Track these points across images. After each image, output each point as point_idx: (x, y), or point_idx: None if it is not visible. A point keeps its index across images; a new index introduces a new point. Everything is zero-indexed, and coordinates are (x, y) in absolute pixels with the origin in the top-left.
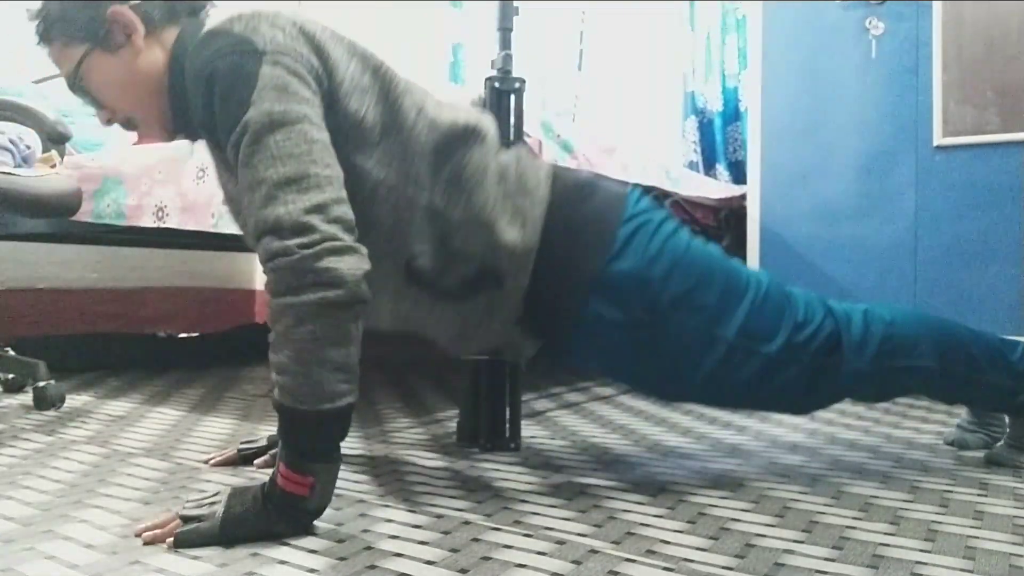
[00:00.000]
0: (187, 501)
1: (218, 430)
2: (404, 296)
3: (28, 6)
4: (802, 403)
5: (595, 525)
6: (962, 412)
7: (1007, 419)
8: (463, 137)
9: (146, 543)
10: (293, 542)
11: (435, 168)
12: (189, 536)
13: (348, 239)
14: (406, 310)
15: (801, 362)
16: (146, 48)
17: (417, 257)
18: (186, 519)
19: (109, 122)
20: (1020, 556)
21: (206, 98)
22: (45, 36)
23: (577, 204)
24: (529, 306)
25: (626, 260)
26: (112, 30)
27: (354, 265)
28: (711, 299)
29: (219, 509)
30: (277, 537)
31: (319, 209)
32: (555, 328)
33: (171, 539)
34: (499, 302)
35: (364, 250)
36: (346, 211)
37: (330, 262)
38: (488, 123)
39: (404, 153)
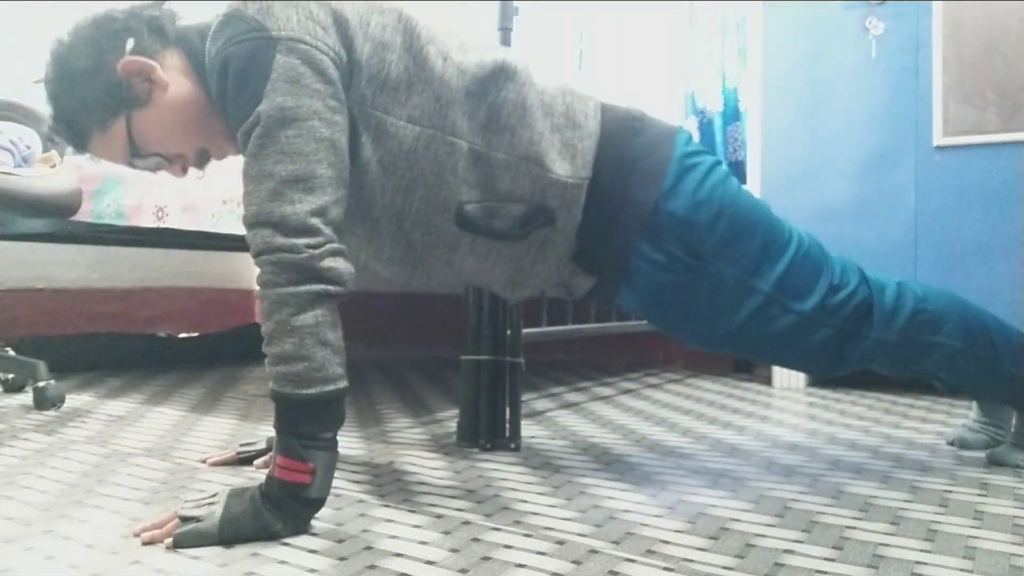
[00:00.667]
0: (186, 501)
1: (218, 430)
2: (458, 245)
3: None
4: (826, 366)
5: (595, 525)
6: (968, 413)
7: (1013, 419)
8: (493, 77)
9: (145, 543)
10: (293, 542)
11: (471, 113)
12: (188, 536)
13: (339, 242)
14: (460, 259)
15: (832, 325)
16: (169, 80)
17: (466, 204)
18: (185, 519)
19: (184, 171)
20: (1020, 556)
21: (220, 84)
22: (80, 140)
23: (628, 138)
24: (582, 242)
25: (674, 200)
26: (133, 84)
27: (348, 266)
28: (752, 250)
29: (218, 509)
30: (276, 537)
31: (322, 212)
32: (607, 264)
33: (170, 539)
34: (553, 239)
35: (348, 252)
36: (340, 213)
37: (331, 263)
38: (517, 58)
39: (437, 103)
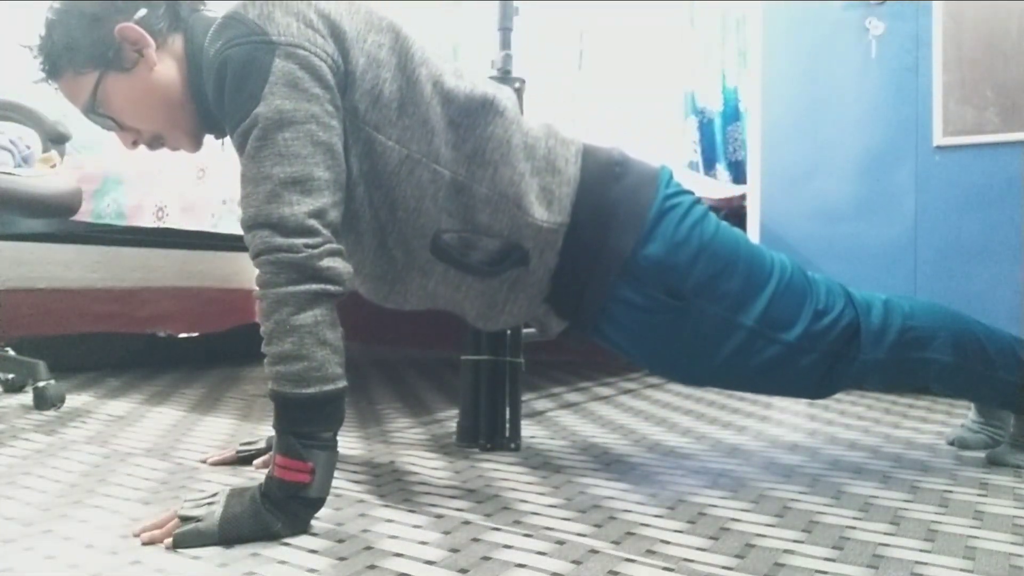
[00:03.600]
0: (185, 501)
1: (218, 430)
2: (432, 272)
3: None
4: (816, 389)
5: (595, 525)
6: (967, 413)
7: (1012, 420)
8: (482, 110)
9: (145, 543)
10: (293, 542)
11: (456, 143)
12: (188, 536)
13: (337, 243)
14: (433, 286)
15: (819, 350)
16: (159, 61)
17: (444, 232)
18: (185, 519)
19: (135, 144)
20: (1020, 556)
21: (217, 85)
22: (53, 70)
23: (608, 184)
24: (557, 285)
25: (653, 244)
26: (123, 49)
27: (346, 266)
28: (734, 286)
29: (218, 509)
30: (276, 537)
31: (320, 214)
32: (582, 309)
33: (170, 539)
34: (525, 280)
35: (346, 253)
36: (338, 216)
37: (331, 262)
38: (506, 95)
39: (424, 128)
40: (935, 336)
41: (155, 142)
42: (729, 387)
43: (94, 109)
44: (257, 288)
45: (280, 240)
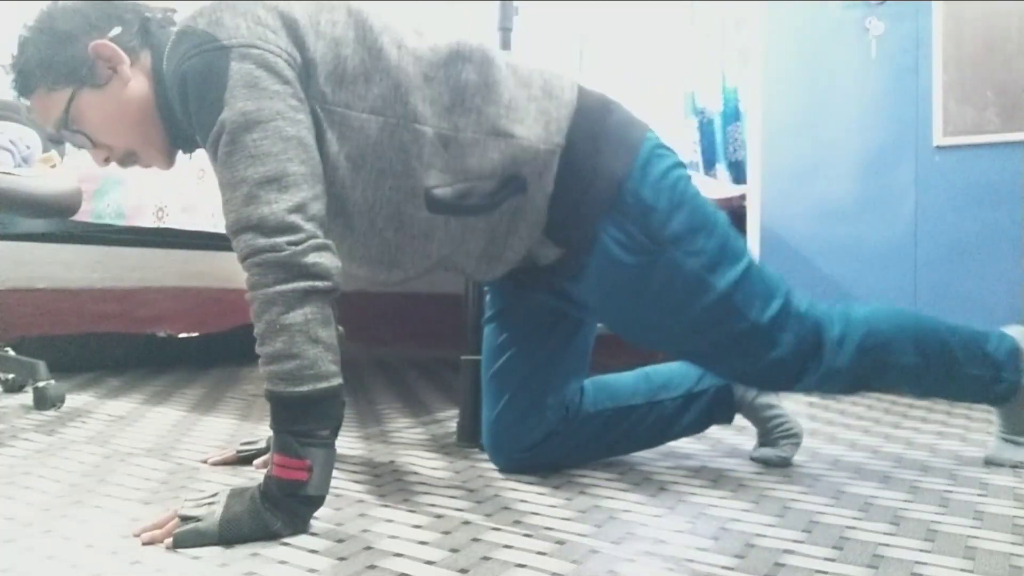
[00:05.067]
0: (186, 500)
1: (218, 430)
2: (432, 232)
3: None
4: (776, 385)
5: (595, 525)
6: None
7: (996, 415)
8: (451, 59)
9: (145, 543)
10: (293, 542)
11: (433, 98)
12: (188, 536)
13: (323, 237)
14: (436, 247)
15: (784, 345)
16: (132, 76)
17: (434, 188)
18: (185, 519)
19: (107, 161)
20: (1020, 556)
21: (182, 100)
22: (24, 87)
23: (603, 114)
24: (553, 212)
25: (638, 182)
26: (96, 66)
27: (334, 260)
28: (711, 246)
29: (218, 509)
30: (276, 537)
31: (300, 208)
32: (576, 235)
33: (170, 539)
34: (524, 208)
35: (334, 247)
36: (321, 208)
37: (316, 257)
38: (472, 40)
39: (396, 91)
40: (896, 340)
41: (127, 159)
42: (697, 359)
43: (67, 125)
44: (247, 292)
45: (262, 241)
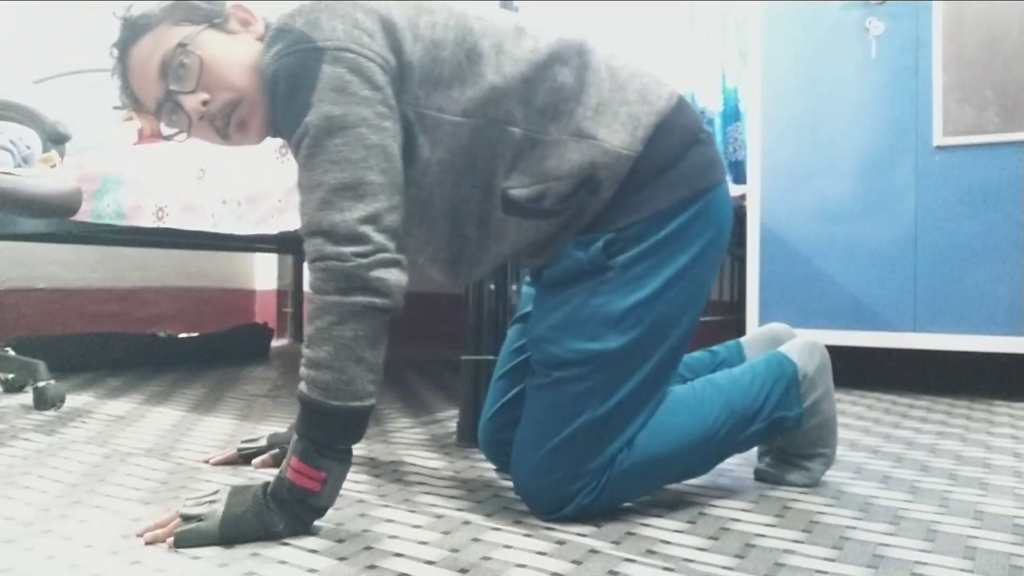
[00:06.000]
0: (187, 499)
1: (218, 430)
2: (504, 233)
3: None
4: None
5: (595, 525)
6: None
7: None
8: (548, 63)
9: (147, 543)
10: (293, 542)
11: (527, 99)
12: (189, 536)
13: (395, 251)
14: (507, 246)
15: (600, 455)
16: (259, 45)
17: (511, 189)
18: (186, 518)
19: (204, 104)
20: (1020, 556)
21: (272, 97)
22: (148, 23)
23: (689, 139)
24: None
25: (667, 220)
26: (229, 18)
27: (400, 278)
28: (634, 359)
29: (219, 508)
30: (276, 537)
31: (373, 219)
32: (598, 230)
33: (171, 539)
34: (584, 209)
35: (406, 262)
36: (395, 220)
37: (381, 273)
38: (572, 38)
39: (492, 96)
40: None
41: (225, 111)
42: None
43: (175, 58)
44: (309, 291)
45: (330, 248)
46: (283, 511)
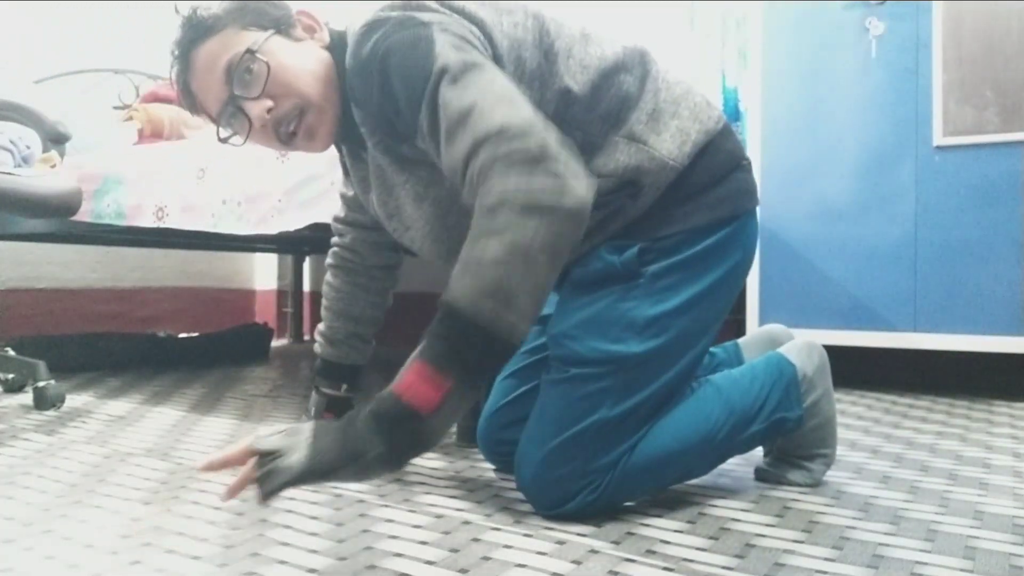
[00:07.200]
0: (258, 436)
1: (218, 430)
2: None
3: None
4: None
5: (595, 525)
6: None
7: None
8: (614, 70)
9: (226, 500)
10: (293, 542)
11: (590, 105)
12: (273, 478)
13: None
14: None
15: (619, 439)
16: (325, 53)
17: None
18: (262, 454)
19: (268, 112)
20: (1020, 556)
21: (382, 78)
22: (214, 25)
23: (731, 164)
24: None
25: (698, 238)
26: (295, 24)
27: (589, 185)
28: (647, 372)
29: (302, 439)
30: (367, 471)
31: (541, 121)
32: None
33: (256, 490)
34: (620, 214)
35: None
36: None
37: (570, 166)
38: (635, 47)
39: (564, 99)
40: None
41: (290, 117)
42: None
43: (242, 63)
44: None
45: (504, 147)
46: (382, 433)
